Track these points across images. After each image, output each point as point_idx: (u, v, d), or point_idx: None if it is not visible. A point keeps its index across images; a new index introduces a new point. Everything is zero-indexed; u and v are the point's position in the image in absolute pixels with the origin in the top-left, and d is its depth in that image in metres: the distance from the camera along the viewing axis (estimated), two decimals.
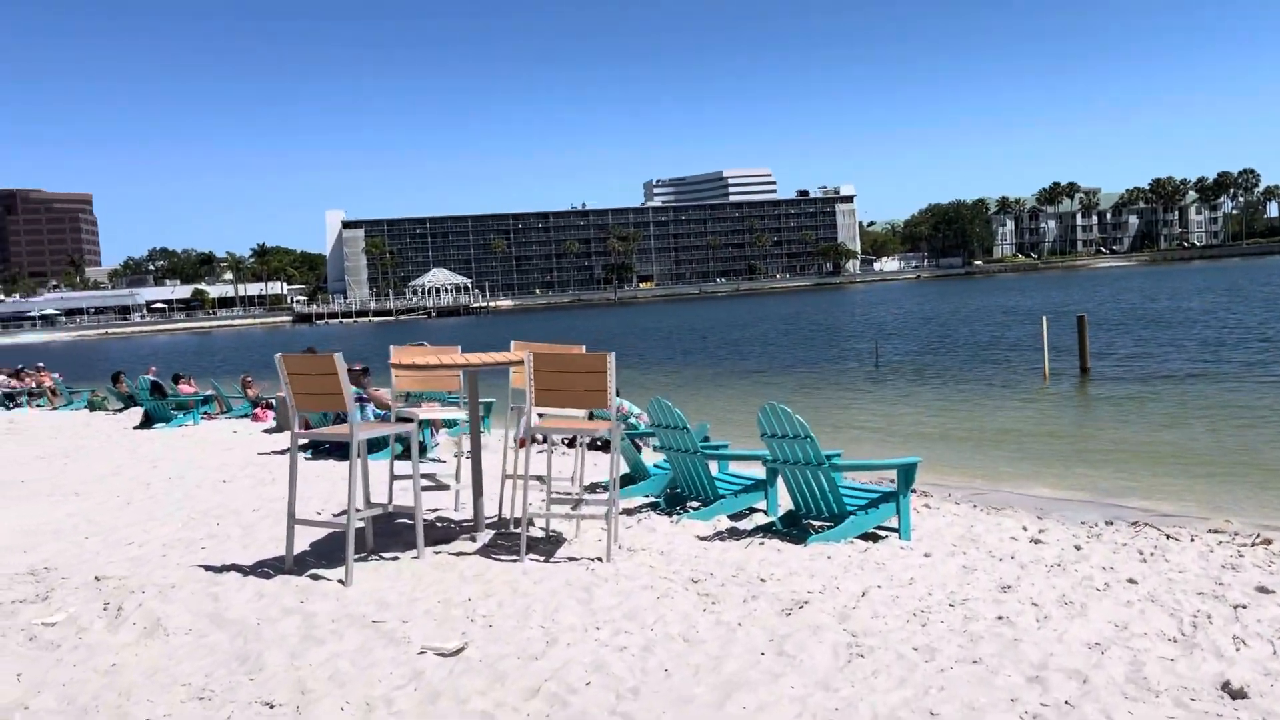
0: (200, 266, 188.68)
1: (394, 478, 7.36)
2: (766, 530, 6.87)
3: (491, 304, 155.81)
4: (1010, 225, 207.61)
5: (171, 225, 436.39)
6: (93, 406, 23.14)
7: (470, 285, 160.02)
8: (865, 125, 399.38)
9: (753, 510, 7.62)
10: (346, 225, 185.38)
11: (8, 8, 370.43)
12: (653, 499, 8.28)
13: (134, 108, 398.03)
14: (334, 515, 7.56)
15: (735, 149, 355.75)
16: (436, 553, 6.13)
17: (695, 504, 7.74)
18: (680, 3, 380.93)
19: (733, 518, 7.42)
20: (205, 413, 19.32)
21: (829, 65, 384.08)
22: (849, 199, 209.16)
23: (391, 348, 7.30)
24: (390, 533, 6.71)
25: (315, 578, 5.60)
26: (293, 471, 5.89)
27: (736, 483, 7.76)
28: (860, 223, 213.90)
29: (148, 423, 16.98)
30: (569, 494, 7.06)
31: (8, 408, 24.88)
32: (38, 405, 25.30)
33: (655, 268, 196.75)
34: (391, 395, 7.82)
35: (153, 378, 19.56)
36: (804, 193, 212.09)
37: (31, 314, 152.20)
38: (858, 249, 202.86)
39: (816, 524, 6.81)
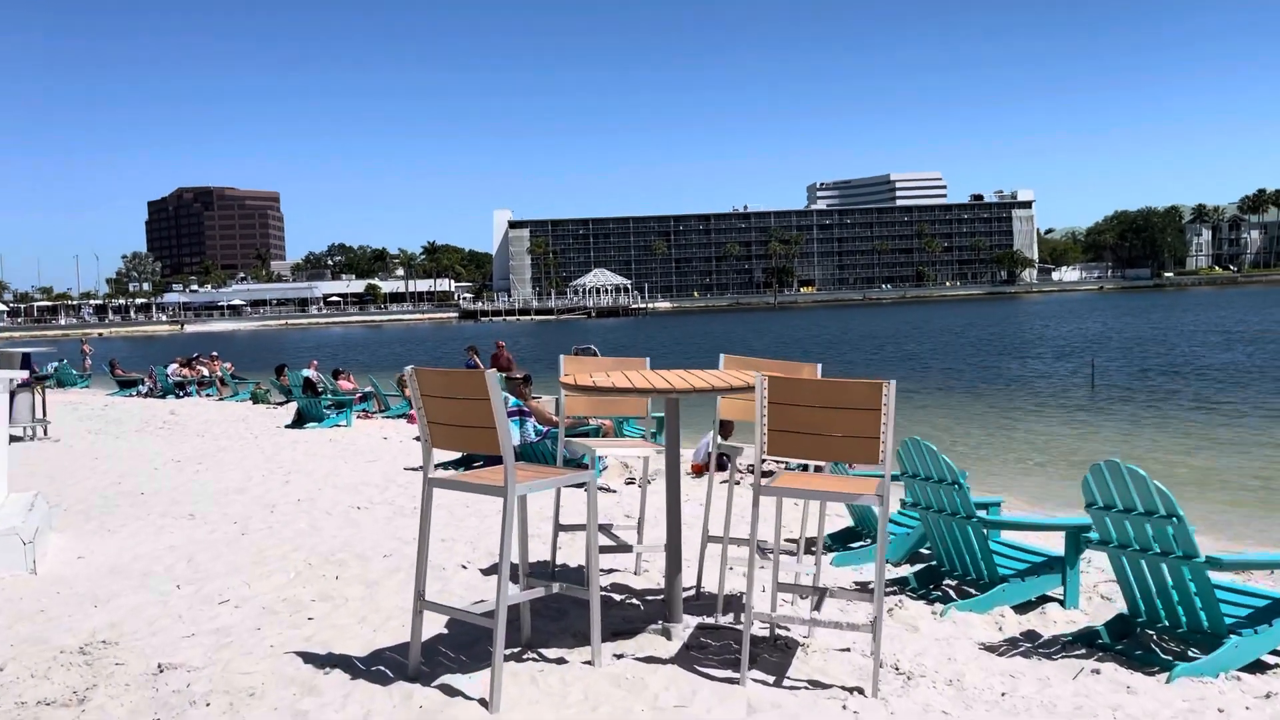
0: (374, 262, 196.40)
1: (558, 529, 5.60)
2: (1088, 643, 4.72)
3: (650, 305, 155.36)
4: (1207, 235, 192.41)
5: (350, 222, 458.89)
6: (255, 399, 22.81)
7: (630, 286, 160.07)
8: (1045, 128, 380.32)
9: (1044, 599, 5.48)
10: (512, 225, 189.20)
11: (213, 17, 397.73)
12: (890, 565, 6.27)
13: (320, 110, 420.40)
14: (481, 571, 5.86)
15: (902, 152, 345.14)
16: (618, 655, 4.31)
17: (952, 580, 5.69)
18: (848, 2, 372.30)
19: (1018, 609, 5.31)
20: (363, 410, 18.41)
21: (1004, 64, 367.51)
22: (1027, 204, 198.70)
23: (561, 359, 5.55)
24: (551, 606, 4.96)
25: (448, 692, 3.86)
26: (424, 532, 4.18)
27: (1019, 557, 5.63)
28: (1038, 230, 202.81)
29: (300, 421, 16.08)
30: (800, 577, 5.12)
31: (178, 396, 24.95)
32: (207, 394, 25.31)
33: (817, 272, 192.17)
34: (558, 410, 6.12)
35: (309, 373, 18.79)
36: (978, 197, 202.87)
37: (221, 303, 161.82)
38: (1035, 257, 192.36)
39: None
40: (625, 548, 5.49)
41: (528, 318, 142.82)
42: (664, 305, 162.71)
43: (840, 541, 7.04)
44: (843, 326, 72.69)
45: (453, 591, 5.37)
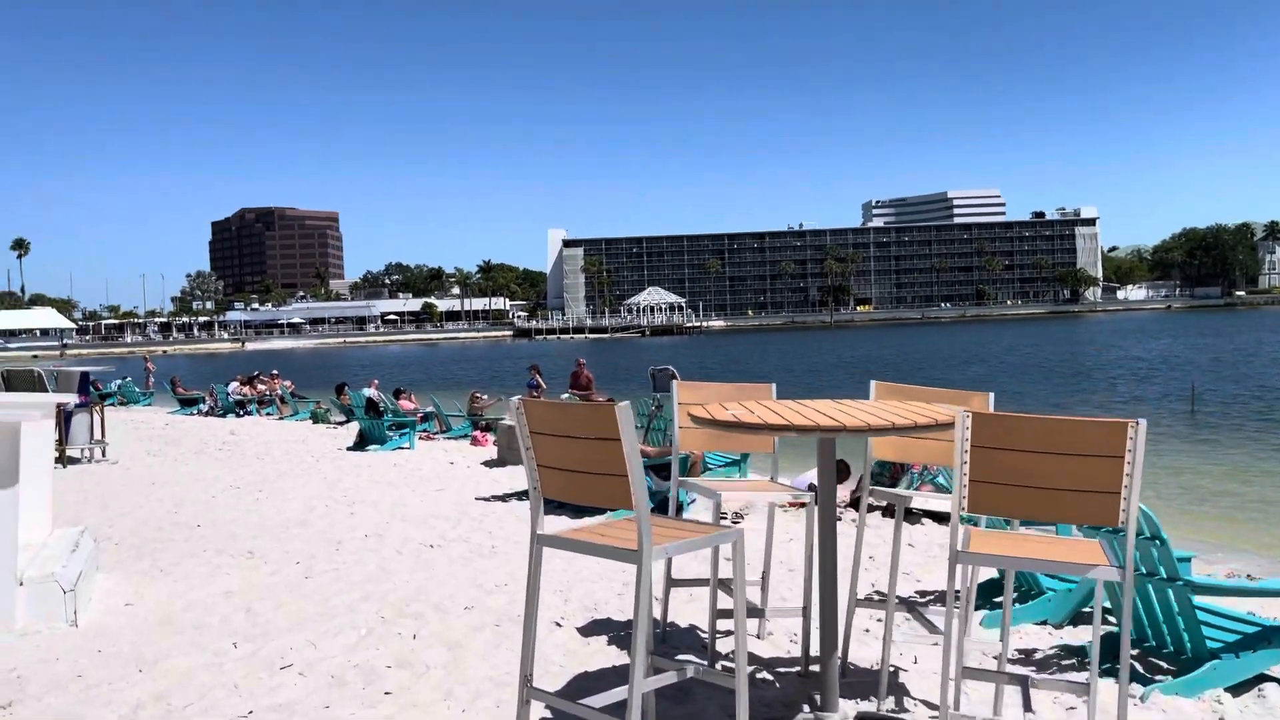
0: (430, 281, 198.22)
1: (671, 585, 4.79)
2: None
3: (704, 324, 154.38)
4: None
5: (407, 241, 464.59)
6: (315, 418, 22.39)
7: (684, 305, 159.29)
8: (1108, 143, 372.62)
9: (1262, 678, 4.53)
10: (567, 244, 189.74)
11: (272, 41, 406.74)
12: (1050, 627, 5.35)
13: (377, 132, 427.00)
14: (579, 631, 5.06)
15: (960, 169, 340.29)
16: None
17: (1134, 650, 4.76)
18: (901, 17, 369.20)
19: (1233, 690, 4.37)
20: (423, 431, 17.82)
21: (1064, 78, 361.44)
22: (1090, 221, 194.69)
23: (675, 385, 4.76)
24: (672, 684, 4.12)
25: None
26: (532, 602, 3.39)
27: (1229, 627, 4.68)
28: (1102, 248, 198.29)
29: (362, 443, 15.49)
30: (982, 656, 4.23)
31: (238, 414, 24.67)
32: (267, 413, 25.00)
33: (874, 290, 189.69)
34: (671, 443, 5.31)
35: (370, 393, 18.26)
36: (1039, 214, 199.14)
37: (281, 322, 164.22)
38: (1099, 275, 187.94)
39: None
40: (755, 612, 4.65)
41: (581, 336, 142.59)
42: (718, 324, 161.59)
43: (982, 595, 6.12)
44: (903, 346, 71.09)
45: (549, 657, 4.58)
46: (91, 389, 31.29)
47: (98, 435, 13.41)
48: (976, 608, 5.88)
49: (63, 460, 12.41)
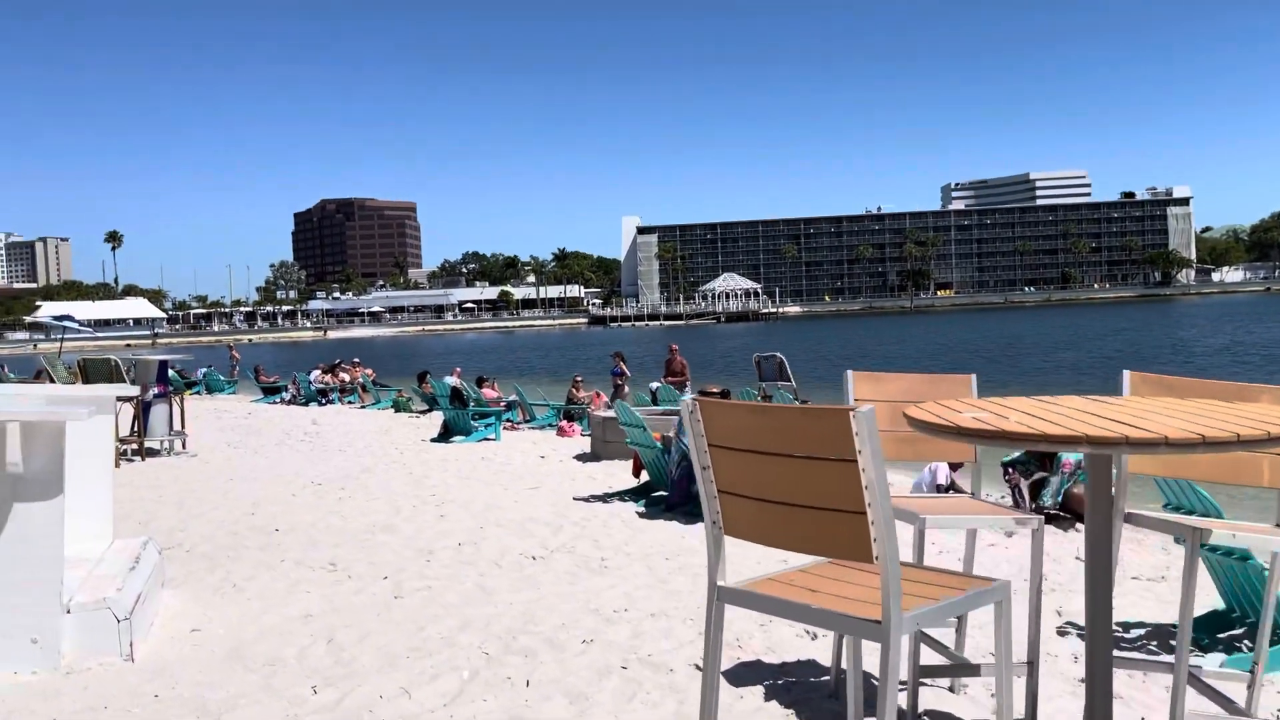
0: (506, 269, 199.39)
1: (920, 675, 3.81)
2: None
3: (780, 310, 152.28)
4: None
5: (483, 230, 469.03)
6: (397, 407, 21.91)
7: (759, 290, 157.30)
8: (1200, 119, 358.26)
9: None
10: (640, 231, 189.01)
11: (349, 32, 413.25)
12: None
13: (453, 123, 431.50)
14: (729, 683, 4.14)
15: (1042, 150, 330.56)
16: None
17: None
18: None
19: None
20: (506, 420, 17.10)
21: (1151, 52, 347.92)
22: (1183, 201, 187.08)
23: (850, 376, 3.80)
24: None
25: None
26: (711, 677, 2.48)
27: None
28: (1195, 228, 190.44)
29: (446, 434, 14.81)
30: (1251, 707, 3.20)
31: (320, 403, 24.36)
32: (349, 401, 24.69)
33: (955, 275, 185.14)
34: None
35: (455, 381, 17.63)
36: (1129, 195, 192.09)
37: (361, 310, 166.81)
38: (1193, 257, 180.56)
39: None
40: (965, 668, 3.66)
41: (656, 323, 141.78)
42: (794, 310, 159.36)
43: (1206, 630, 5.04)
44: (993, 331, 68.66)
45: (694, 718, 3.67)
46: (177, 377, 31.49)
47: (177, 426, 12.93)
48: (1203, 646, 4.81)
49: (141, 453, 11.94)
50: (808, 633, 4.63)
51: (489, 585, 5.65)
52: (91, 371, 12.21)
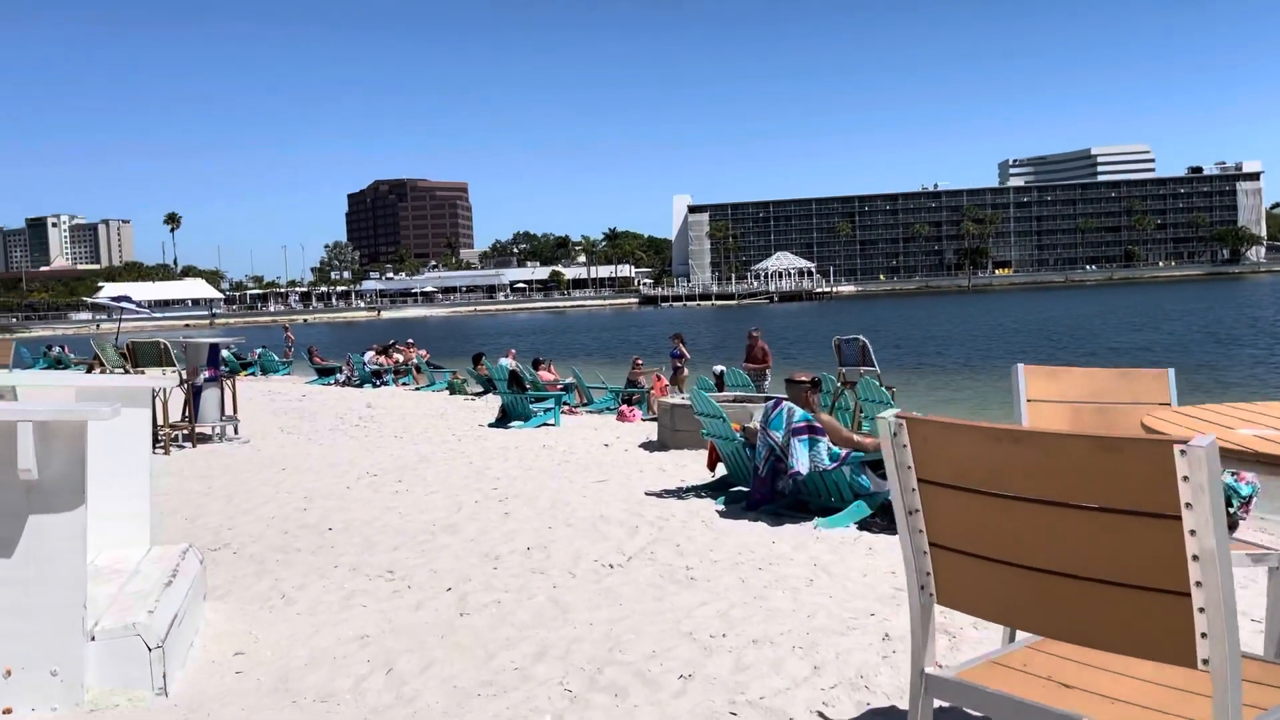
0: (557, 249, 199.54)
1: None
2: None
3: (834, 289, 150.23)
4: None
5: (533, 210, 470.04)
6: (452, 389, 21.50)
7: (813, 270, 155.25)
8: (1271, 93, 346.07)
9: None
10: (692, 210, 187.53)
11: (402, 12, 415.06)
12: None
13: (504, 103, 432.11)
14: None
15: (1102, 124, 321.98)
16: None
17: None
18: None
19: None
20: (564, 403, 16.55)
21: (1217, 24, 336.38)
22: (1254, 176, 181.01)
23: (1020, 371, 3.09)
24: None
25: None
26: None
27: None
28: (1265, 205, 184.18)
29: (504, 419, 14.28)
30: None
31: (374, 385, 24.06)
32: (403, 383, 24.39)
33: (1014, 253, 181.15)
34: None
35: (511, 363, 17.11)
36: (1196, 169, 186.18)
37: (414, 290, 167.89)
38: (1263, 234, 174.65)
39: None
40: None
41: (708, 303, 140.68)
42: (848, 289, 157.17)
43: None
44: (1058, 311, 66.71)
45: None
46: (232, 359, 31.48)
47: (229, 411, 12.54)
48: None
49: (192, 439, 11.55)
50: None
51: (564, 600, 5.04)
52: (140, 354, 11.84)
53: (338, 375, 25.85)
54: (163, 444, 10.94)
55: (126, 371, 11.54)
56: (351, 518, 7.18)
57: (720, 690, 3.78)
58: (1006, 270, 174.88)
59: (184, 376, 11.40)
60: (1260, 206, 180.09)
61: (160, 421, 10.97)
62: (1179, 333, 39.66)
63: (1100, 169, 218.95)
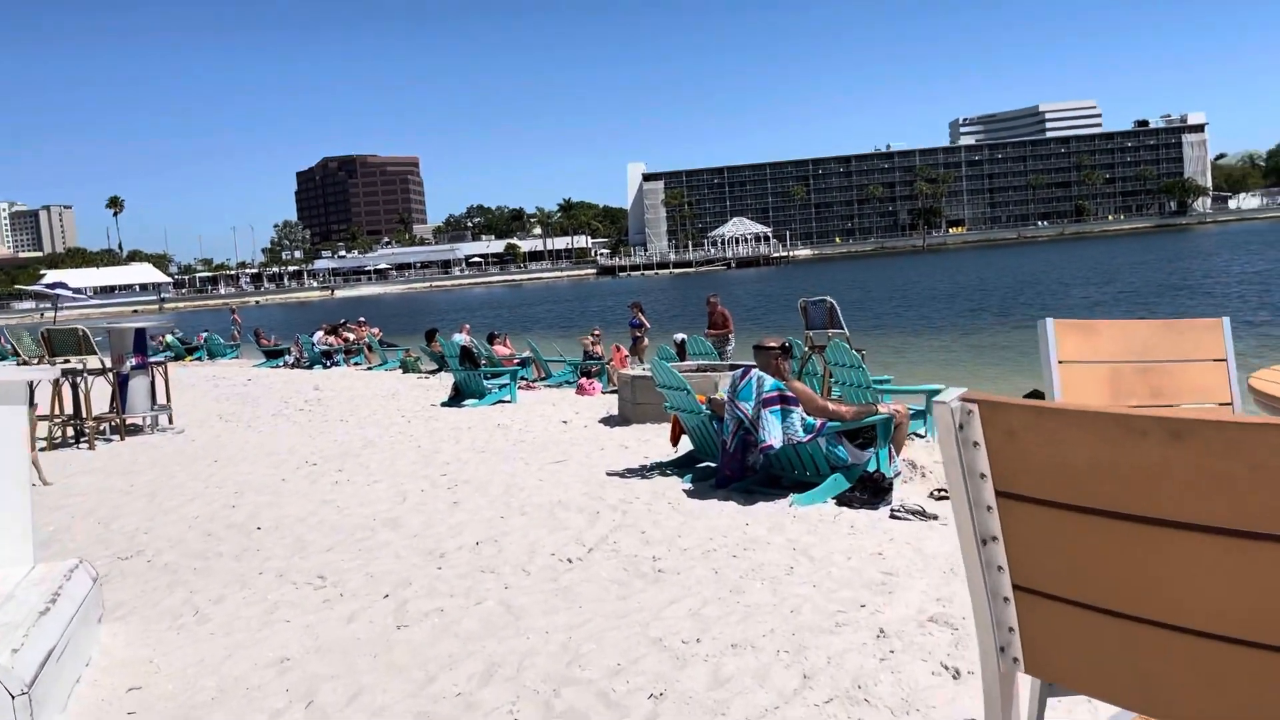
0: (512, 222, 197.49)
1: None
2: None
3: (791, 253, 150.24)
4: None
5: (487, 183, 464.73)
6: (405, 367, 20.77)
7: (769, 235, 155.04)
8: (1213, 43, 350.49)
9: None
10: (647, 178, 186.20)
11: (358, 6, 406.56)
12: None
13: (453, 74, 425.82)
14: None
15: (1050, 81, 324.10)
16: None
17: None
18: None
19: None
20: (522, 379, 15.92)
21: None
22: (1198, 128, 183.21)
23: (1050, 324, 2.55)
24: None
25: None
26: None
27: None
28: (1210, 156, 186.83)
29: (457, 397, 13.63)
30: None
31: (325, 365, 23.24)
32: (355, 363, 23.57)
33: (967, 212, 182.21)
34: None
35: (464, 339, 16.44)
36: (1143, 123, 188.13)
37: (367, 268, 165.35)
38: (1209, 185, 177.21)
39: None
40: None
41: (665, 271, 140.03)
42: (805, 253, 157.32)
43: None
44: (1013, 268, 66.93)
45: None
46: (177, 344, 30.33)
47: (160, 400, 11.76)
48: None
49: (120, 431, 10.78)
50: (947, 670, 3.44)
51: (516, 604, 4.46)
52: (57, 343, 11.02)
53: (286, 357, 24.99)
54: (87, 438, 10.19)
55: (42, 361, 10.72)
56: (284, 514, 6.54)
57: (698, 713, 3.24)
58: (960, 229, 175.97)
59: (106, 364, 10.61)
60: (1205, 158, 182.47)
61: (84, 414, 10.21)
62: (1135, 284, 39.75)
63: (1049, 126, 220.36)
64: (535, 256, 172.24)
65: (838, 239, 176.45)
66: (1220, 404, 2.54)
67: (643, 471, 7.46)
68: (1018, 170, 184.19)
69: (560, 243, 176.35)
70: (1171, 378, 2.55)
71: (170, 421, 11.73)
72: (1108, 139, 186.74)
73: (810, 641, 3.81)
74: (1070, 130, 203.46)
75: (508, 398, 13.43)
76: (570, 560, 5.13)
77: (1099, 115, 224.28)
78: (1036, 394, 7.37)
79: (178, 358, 29.64)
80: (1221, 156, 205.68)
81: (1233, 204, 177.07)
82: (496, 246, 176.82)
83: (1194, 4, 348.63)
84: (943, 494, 6.43)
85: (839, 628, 3.95)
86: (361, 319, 27.61)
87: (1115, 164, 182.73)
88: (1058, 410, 1.05)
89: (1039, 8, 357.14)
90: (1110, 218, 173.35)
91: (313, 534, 5.96)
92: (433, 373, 19.16)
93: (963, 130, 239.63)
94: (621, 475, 7.39)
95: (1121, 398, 2.49)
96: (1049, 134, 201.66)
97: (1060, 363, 2.50)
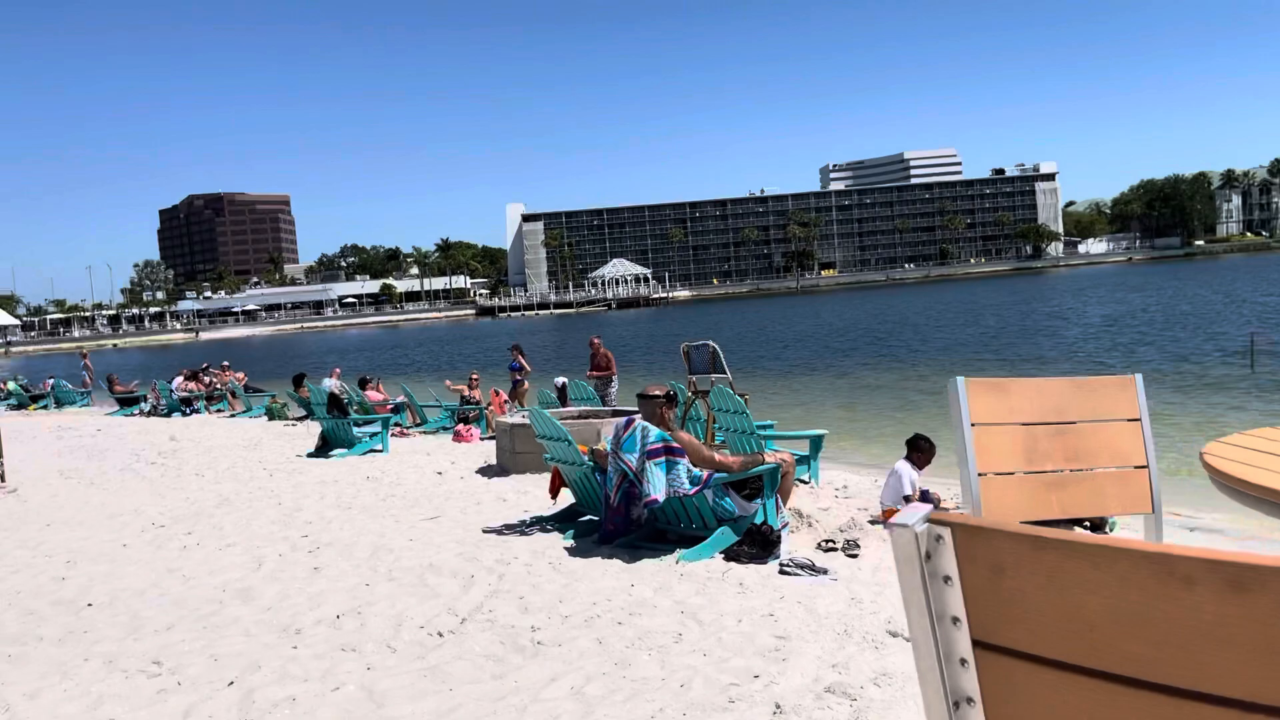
0: (388, 262, 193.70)
1: None
2: None
3: (670, 294, 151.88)
4: (1237, 201, 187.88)
5: (361, 222, 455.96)
6: (271, 414, 19.78)
7: (649, 276, 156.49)
8: (1062, 98, 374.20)
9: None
10: (526, 218, 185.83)
11: (212, 17, 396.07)
12: None
13: (326, 110, 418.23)
14: None
15: (915, 130, 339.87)
16: None
17: None
18: None
19: None
20: (395, 425, 15.32)
21: (1014, 34, 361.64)
22: (1049, 177, 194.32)
23: (961, 385, 2.35)
24: None
25: None
26: None
27: None
28: (1061, 203, 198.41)
29: (325, 447, 12.95)
30: None
31: (184, 413, 21.97)
32: (217, 410, 22.35)
33: (838, 254, 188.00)
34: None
35: (334, 384, 15.74)
36: (999, 171, 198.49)
37: (235, 309, 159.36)
38: (1060, 230, 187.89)
39: None
40: None
41: (546, 312, 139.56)
42: (683, 294, 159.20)
43: None
44: (883, 310, 69.14)
45: None
46: (19, 392, 28.24)
47: None
48: None
49: None
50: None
51: (379, 688, 4.02)
52: None
53: (142, 404, 23.54)
54: None
55: None
56: (121, 587, 5.90)
57: None
58: (831, 271, 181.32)
59: None
60: (1057, 205, 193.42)
61: None
62: (994, 329, 41.42)
63: (913, 172, 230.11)
64: (412, 297, 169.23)
65: (715, 280, 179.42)
66: (1136, 466, 2.39)
67: (522, 528, 7.08)
68: (885, 215, 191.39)
69: (438, 283, 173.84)
70: (1087, 439, 2.39)
71: (2, 480, 10.72)
72: (968, 185, 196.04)
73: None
74: (933, 177, 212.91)
75: (379, 447, 12.84)
76: (441, 634, 4.71)
77: (959, 163, 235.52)
78: (921, 438, 7.30)
79: (20, 406, 27.62)
80: (1071, 204, 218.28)
81: (1082, 248, 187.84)
82: (371, 287, 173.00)
83: (1046, 60, 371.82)
84: (830, 545, 6.26)
85: (732, 704, 3.67)
86: (225, 364, 26.32)
87: (975, 209, 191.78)
88: (1065, 542, 0.79)
89: (903, 58, 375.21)
90: (973, 260, 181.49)
91: (151, 610, 5.36)
92: (300, 419, 18.31)
93: (833, 176, 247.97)
94: (499, 532, 6.99)
95: (1038, 461, 2.32)
96: (914, 180, 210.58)
97: (974, 425, 2.31)
